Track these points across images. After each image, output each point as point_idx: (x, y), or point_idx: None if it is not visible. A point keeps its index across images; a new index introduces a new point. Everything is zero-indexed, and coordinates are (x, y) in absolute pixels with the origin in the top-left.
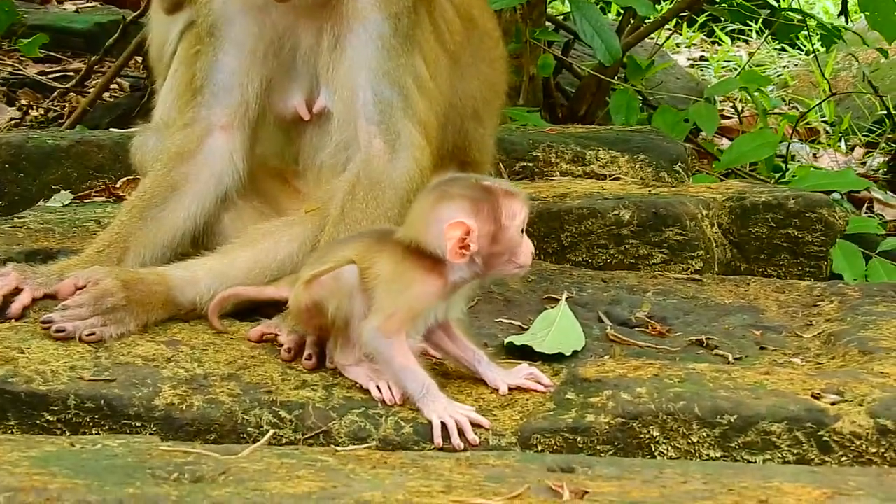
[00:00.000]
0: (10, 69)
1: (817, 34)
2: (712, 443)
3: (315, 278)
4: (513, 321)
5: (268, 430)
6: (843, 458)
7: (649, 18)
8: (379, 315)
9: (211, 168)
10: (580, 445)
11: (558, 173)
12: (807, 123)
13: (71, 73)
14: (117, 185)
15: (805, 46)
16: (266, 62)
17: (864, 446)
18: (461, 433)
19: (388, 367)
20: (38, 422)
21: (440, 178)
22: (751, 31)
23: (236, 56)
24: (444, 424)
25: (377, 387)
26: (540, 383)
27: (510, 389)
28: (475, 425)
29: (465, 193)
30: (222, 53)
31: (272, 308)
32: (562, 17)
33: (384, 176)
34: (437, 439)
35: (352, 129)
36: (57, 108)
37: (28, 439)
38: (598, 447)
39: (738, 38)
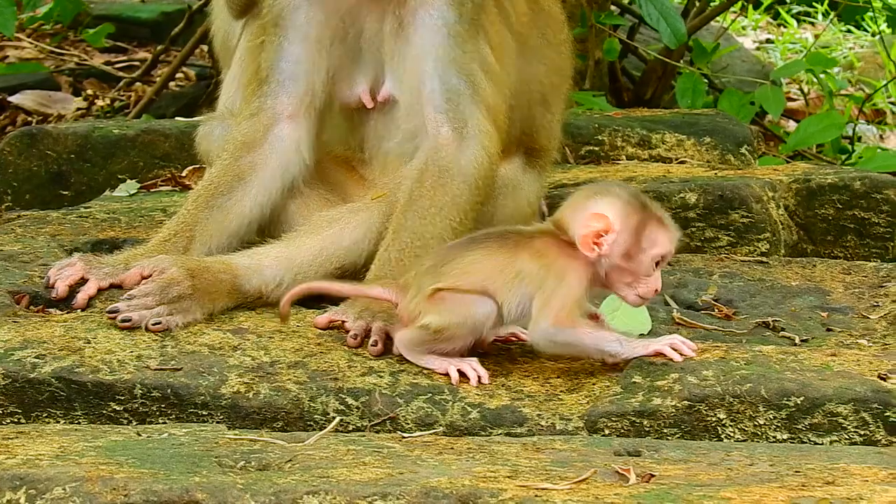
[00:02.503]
0: (76, 59)
1: (883, 16)
2: (779, 425)
3: (439, 292)
4: None
5: (334, 417)
6: None
7: (714, 1)
8: (548, 315)
9: (277, 157)
10: (647, 429)
11: (624, 157)
12: (873, 105)
13: (137, 63)
14: (183, 175)
15: (871, 28)
16: (331, 50)
17: None
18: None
19: (582, 347)
20: (104, 411)
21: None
22: (816, 12)
23: (301, 45)
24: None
25: (458, 370)
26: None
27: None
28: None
29: (623, 196)
30: (287, 42)
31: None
32: (627, 0)
33: (452, 164)
34: (667, 353)
35: (419, 118)
36: (123, 98)
37: (94, 429)
38: (665, 430)
39: (804, 21)
